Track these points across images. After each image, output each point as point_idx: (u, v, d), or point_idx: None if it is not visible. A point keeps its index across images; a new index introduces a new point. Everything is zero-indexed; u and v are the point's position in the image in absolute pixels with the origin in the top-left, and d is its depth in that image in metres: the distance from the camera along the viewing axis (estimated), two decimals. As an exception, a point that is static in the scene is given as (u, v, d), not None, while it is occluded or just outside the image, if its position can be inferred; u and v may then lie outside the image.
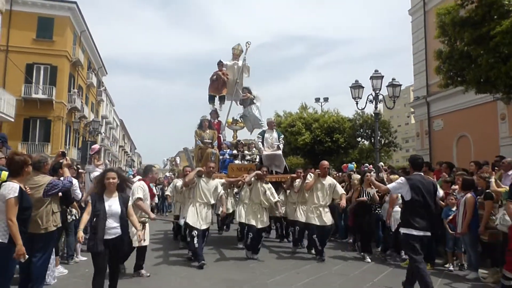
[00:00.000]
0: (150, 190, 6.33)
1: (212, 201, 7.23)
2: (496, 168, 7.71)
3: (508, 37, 7.62)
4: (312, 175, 7.96)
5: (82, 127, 31.80)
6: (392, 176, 8.15)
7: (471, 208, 6.29)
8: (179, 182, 8.67)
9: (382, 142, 24.82)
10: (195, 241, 6.78)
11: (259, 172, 7.95)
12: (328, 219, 7.65)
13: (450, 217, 6.81)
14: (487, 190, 6.36)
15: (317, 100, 30.64)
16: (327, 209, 7.75)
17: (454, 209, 6.89)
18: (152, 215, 5.91)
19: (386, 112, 53.37)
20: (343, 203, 7.65)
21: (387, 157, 27.84)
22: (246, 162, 10.02)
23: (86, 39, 33.02)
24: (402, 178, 5.21)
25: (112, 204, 4.29)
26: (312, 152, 24.59)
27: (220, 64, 11.12)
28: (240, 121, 10.98)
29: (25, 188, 3.87)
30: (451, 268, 6.84)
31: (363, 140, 26.28)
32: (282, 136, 10.31)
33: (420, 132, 21.55)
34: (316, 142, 24.41)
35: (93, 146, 8.79)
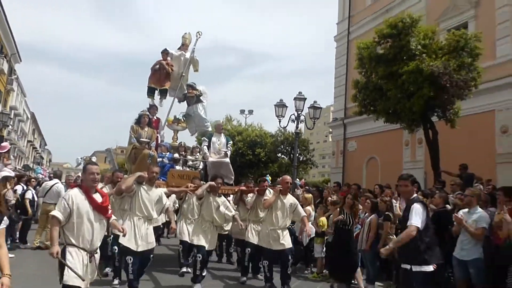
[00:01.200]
0: (103, 202, 3.90)
1: (155, 215, 5.76)
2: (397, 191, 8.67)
3: (413, 76, 8.69)
4: (271, 191, 6.91)
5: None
6: (307, 195, 8.71)
7: (375, 228, 6.99)
8: (105, 189, 6.62)
9: (301, 159, 26.09)
10: (130, 269, 5.31)
11: (212, 183, 6.62)
12: (287, 241, 6.50)
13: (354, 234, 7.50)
14: (386, 212, 7.13)
15: (242, 112, 31.33)
16: (285, 232, 6.59)
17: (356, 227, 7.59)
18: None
19: (307, 130, 55.96)
20: (309, 228, 6.76)
21: (304, 173, 29.29)
22: (188, 169, 8.86)
23: (0, 21, 30.29)
24: (418, 204, 4.22)
25: None
26: (233, 164, 25.01)
27: (164, 52, 9.66)
28: (182, 120, 9.65)
29: None
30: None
31: (283, 155, 27.38)
32: (231, 142, 9.41)
33: (336, 151, 23.04)
34: (238, 154, 24.93)
35: (2, 144, 8.31)
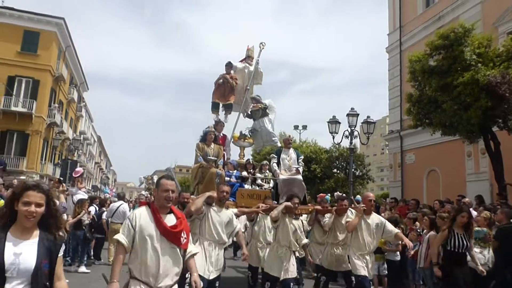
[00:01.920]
0: (175, 227, 3.19)
1: (225, 239, 5.17)
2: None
3: (468, 88, 8.47)
4: (353, 211, 6.20)
5: (60, 143, 31.56)
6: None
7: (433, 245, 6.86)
8: None
9: (357, 174, 25.72)
10: None
11: (288, 204, 5.91)
12: (370, 270, 5.83)
13: (412, 252, 7.38)
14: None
15: (296, 127, 31.47)
16: (373, 257, 6.02)
17: (415, 244, 7.47)
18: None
19: (362, 144, 54.75)
20: (410, 244, 5.98)
21: (362, 187, 28.72)
22: (257, 188, 8.18)
23: (71, 55, 33.15)
24: None
25: (22, 251, 2.25)
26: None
27: (228, 66, 9.22)
28: (249, 136, 8.92)
29: None
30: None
31: (338, 171, 27.14)
32: (302, 157, 8.59)
33: (393, 164, 22.46)
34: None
35: (76, 169, 9.10)
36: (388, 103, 23.08)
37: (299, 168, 8.11)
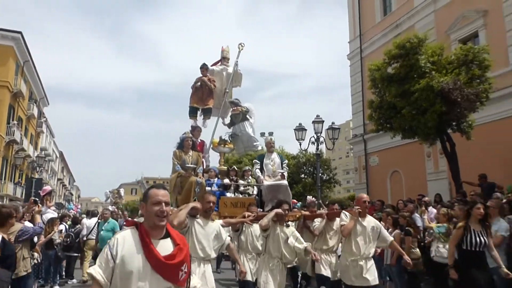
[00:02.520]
0: (172, 257, 2.35)
1: (213, 255, 4.64)
2: (418, 205, 8.96)
3: (424, 94, 9.05)
4: (347, 214, 5.53)
5: (21, 161, 30.43)
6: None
7: (398, 243, 7.27)
8: None
9: (324, 178, 26.37)
10: None
11: (279, 211, 5.37)
12: (372, 276, 5.23)
13: (379, 250, 7.76)
14: (407, 228, 7.41)
15: (262, 134, 31.66)
16: (370, 262, 5.33)
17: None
18: None
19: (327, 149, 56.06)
20: (407, 257, 5.34)
21: (329, 190, 29.45)
22: (240, 195, 7.74)
23: (29, 69, 32.14)
24: None
25: None
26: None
27: (204, 68, 8.70)
28: (229, 141, 8.54)
29: (9, 238, 4.21)
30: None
31: (306, 176, 27.71)
32: (286, 161, 8.18)
33: (358, 167, 23.20)
34: (262, 177, 25.52)
35: (44, 188, 8.98)
36: (351, 108, 23.89)
37: (283, 173, 7.70)
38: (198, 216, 4.55)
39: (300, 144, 13.58)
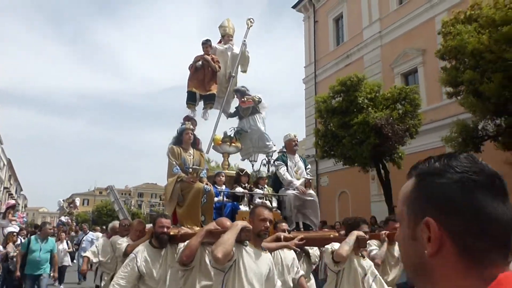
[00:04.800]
0: None
1: None
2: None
3: (361, 127, 10.17)
4: (374, 241, 4.48)
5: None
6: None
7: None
8: (123, 243, 4.71)
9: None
10: None
11: (361, 234, 3.85)
12: None
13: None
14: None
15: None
16: None
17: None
18: None
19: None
20: None
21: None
22: None
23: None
24: None
25: None
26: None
27: (207, 44, 6.91)
28: (235, 138, 6.75)
29: None
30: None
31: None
32: (309, 166, 6.84)
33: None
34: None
35: (8, 201, 9.13)
36: (305, 129, 25.13)
37: (310, 180, 6.37)
38: (247, 242, 2.99)
39: (253, 166, 14.31)
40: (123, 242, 4.69)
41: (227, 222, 3.44)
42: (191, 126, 5.60)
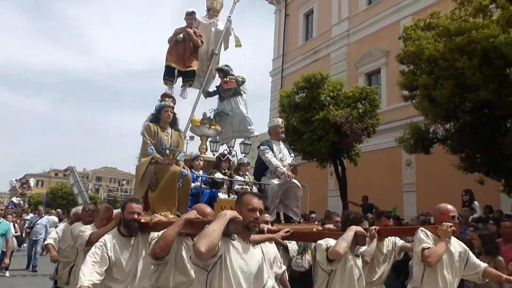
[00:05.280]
0: None
1: None
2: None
3: (321, 124, 10.45)
4: (427, 232, 3.58)
5: None
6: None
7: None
8: (87, 231, 4.16)
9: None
10: None
11: (360, 230, 3.51)
12: None
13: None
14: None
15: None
16: None
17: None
18: None
19: (249, 153, 57.77)
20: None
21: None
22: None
23: None
24: None
25: None
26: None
27: (192, 16, 6.33)
28: (215, 120, 6.34)
29: None
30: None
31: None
32: (293, 154, 6.49)
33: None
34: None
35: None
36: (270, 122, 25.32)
37: (296, 167, 6.02)
38: (235, 236, 2.58)
39: (214, 155, 14.37)
40: (86, 230, 4.17)
41: (207, 209, 3.22)
42: (171, 104, 5.05)
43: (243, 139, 7.11)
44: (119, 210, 3.91)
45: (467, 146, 8.50)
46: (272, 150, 5.72)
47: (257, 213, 2.56)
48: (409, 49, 8.87)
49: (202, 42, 6.34)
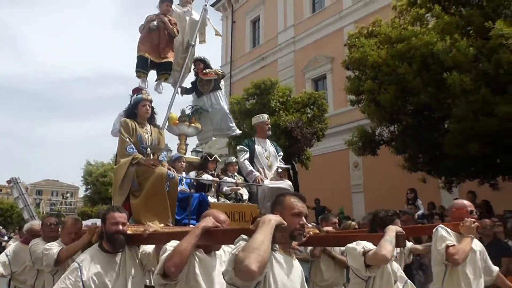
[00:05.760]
0: None
1: None
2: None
3: (272, 129, 10.50)
4: (448, 230, 3.35)
5: None
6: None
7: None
8: (53, 248, 3.64)
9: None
10: None
11: (400, 230, 3.05)
12: None
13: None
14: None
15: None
16: None
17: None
18: None
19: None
20: None
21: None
22: (228, 201, 5.11)
23: None
24: None
25: None
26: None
27: (168, 2, 5.74)
28: (195, 118, 5.76)
29: None
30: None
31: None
32: (281, 152, 5.98)
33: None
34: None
35: None
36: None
37: (288, 168, 5.57)
38: (277, 246, 2.19)
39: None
40: (52, 247, 3.59)
41: (221, 215, 2.59)
42: (149, 97, 4.37)
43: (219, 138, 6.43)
44: (88, 222, 3.59)
45: (410, 147, 8.98)
46: (253, 150, 5.36)
47: (303, 218, 2.14)
48: (354, 56, 9.23)
49: (177, 31, 5.75)
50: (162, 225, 3.64)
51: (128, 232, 3.07)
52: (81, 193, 42.40)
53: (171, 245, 2.35)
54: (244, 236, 2.02)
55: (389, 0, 14.47)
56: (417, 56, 7.61)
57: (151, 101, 4.32)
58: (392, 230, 2.95)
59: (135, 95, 4.38)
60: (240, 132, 6.35)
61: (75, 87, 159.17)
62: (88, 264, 2.81)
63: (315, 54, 18.73)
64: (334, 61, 17.92)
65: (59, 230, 4.08)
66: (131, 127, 4.06)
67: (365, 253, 2.87)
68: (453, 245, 3.20)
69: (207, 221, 2.44)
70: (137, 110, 4.20)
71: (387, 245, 2.80)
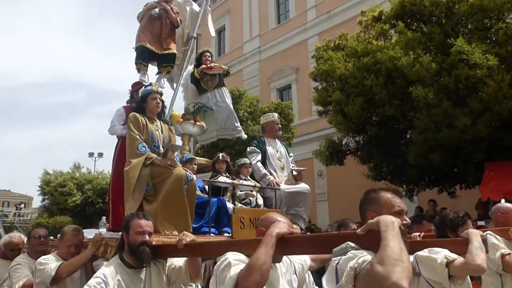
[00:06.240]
0: None
1: None
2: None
3: (241, 139, 10.60)
4: (497, 236, 3.16)
5: None
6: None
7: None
8: (49, 263, 3.06)
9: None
10: None
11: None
12: None
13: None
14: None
15: (91, 155, 30.26)
16: None
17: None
18: None
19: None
20: None
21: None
22: (243, 206, 4.63)
23: None
24: None
25: None
26: (83, 213, 24.32)
27: None
28: (200, 116, 5.32)
29: None
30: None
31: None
32: (292, 153, 5.63)
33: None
34: (88, 203, 24.28)
35: None
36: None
37: (301, 171, 5.31)
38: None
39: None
40: (48, 261, 3.04)
41: (282, 218, 2.10)
42: (160, 89, 3.86)
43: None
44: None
45: (375, 157, 9.27)
46: (265, 151, 5.05)
47: (405, 217, 1.81)
48: (321, 68, 9.45)
49: (180, 21, 5.26)
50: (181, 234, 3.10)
51: (153, 243, 2.65)
52: (35, 203, 40.34)
53: (236, 258, 1.87)
54: (352, 244, 1.60)
55: (351, 14, 15.06)
56: (383, 70, 7.91)
57: (161, 94, 3.82)
58: (476, 235, 2.54)
59: (143, 87, 3.88)
60: (246, 136, 6.01)
61: (35, 92, 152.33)
62: (112, 280, 2.40)
63: (280, 64, 19.00)
64: (299, 71, 18.26)
65: (49, 243, 3.60)
66: (142, 122, 3.53)
67: (448, 263, 2.45)
68: (508, 254, 2.96)
69: (281, 227, 1.96)
70: (146, 104, 3.67)
71: (479, 252, 2.42)
